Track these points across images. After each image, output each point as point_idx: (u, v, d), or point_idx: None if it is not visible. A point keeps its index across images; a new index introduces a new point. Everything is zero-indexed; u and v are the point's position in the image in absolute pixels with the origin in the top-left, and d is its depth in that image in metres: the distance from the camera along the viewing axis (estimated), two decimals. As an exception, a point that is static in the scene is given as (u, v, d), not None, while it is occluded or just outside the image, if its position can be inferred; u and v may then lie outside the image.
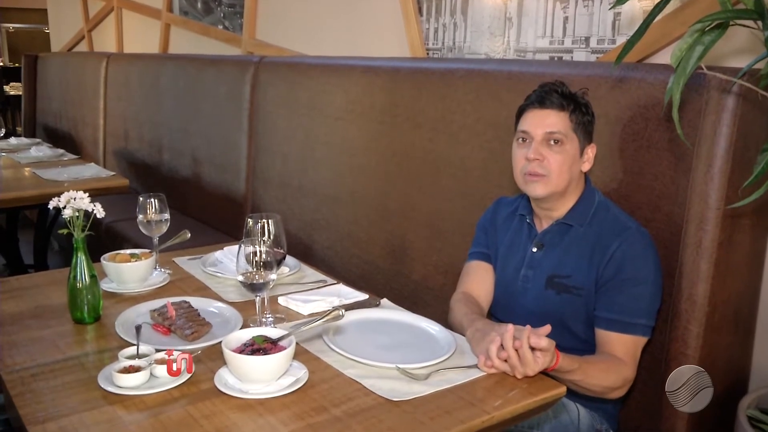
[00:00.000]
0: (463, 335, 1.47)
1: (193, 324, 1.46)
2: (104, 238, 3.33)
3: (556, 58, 2.14)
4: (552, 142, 1.50)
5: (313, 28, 3.22)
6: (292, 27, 3.36)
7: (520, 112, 1.57)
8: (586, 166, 1.57)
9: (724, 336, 1.63)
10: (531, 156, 1.51)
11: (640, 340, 1.49)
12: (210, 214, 3.46)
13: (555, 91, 1.52)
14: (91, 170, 3.46)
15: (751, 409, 1.57)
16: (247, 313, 1.57)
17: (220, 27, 3.99)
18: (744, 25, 1.24)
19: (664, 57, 1.84)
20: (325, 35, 3.14)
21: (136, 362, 1.26)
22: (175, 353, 1.27)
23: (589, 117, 1.54)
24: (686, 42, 1.23)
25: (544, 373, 1.31)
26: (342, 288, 1.78)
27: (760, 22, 1.17)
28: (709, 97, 1.52)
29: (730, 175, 1.51)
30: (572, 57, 2.09)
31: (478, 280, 1.71)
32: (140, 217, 1.86)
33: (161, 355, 1.29)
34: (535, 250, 1.62)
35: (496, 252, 1.71)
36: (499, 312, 1.70)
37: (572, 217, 1.57)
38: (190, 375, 1.26)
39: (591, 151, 1.56)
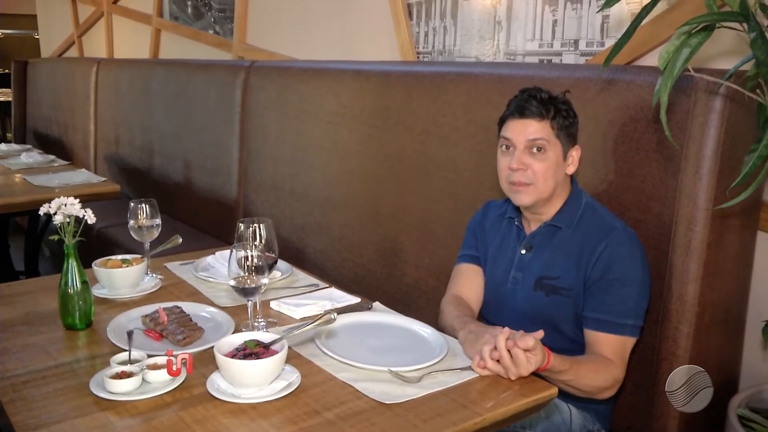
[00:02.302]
0: (455, 338, 1.47)
1: (185, 329, 1.45)
2: (95, 244, 3.32)
3: (545, 61, 2.15)
4: (535, 150, 1.51)
5: (303, 33, 3.23)
6: (282, 31, 3.37)
7: (501, 122, 1.57)
8: (571, 169, 1.57)
9: (714, 336, 1.64)
10: (514, 166, 1.51)
11: (629, 341, 1.49)
12: (201, 219, 3.45)
13: (534, 98, 1.51)
14: (81, 176, 3.45)
15: (742, 408, 1.58)
16: (239, 318, 1.57)
17: (211, 32, 3.99)
18: (730, 28, 1.25)
19: (652, 59, 1.85)
20: (315, 39, 3.15)
21: (128, 368, 1.26)
22: (176, 353, 1.27)
23: (571, 119, 1.54)
24: (673, 44, 1.24)
25: (537, 374, 1.32)
26: (334, 291, 1.78)
27: (745, 25, 1.18)
28: (696, 98, 1.53)
29: (718, 175, 1.52)
30: (561, 60, 2.10)
31: (468, 283, 1.71)
32: (131, 222, 1.86)
33: (153, 360, 1.29)
34: (523, 252, 1.62)
35: (485, 254, 1.72)
36: (489, 314, 1.70)
37: (560, 219, 1.58)
38: (182, 379, 1.26)
39: (576, 153, 1.57)
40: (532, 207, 1.58)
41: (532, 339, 1.27)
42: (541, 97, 1.51)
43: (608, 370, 1.45)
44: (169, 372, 1.24)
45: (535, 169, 1.51)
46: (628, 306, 1.48)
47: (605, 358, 1.46)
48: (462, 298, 1.68)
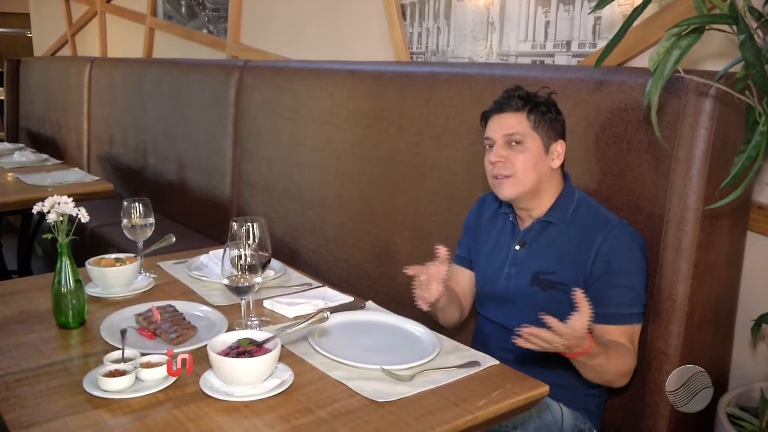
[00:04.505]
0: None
1: (179, 328, 1.46)
2: (89, 243, 3.31)
3: (538, 62, 2.16)
4: (513, 144, 1.55)
5: (297, 32, 3.23)
6: (276, 31, 3.37)
7: (485, 121, 1.62)
8: (555, 163, 1.59)
9: (704, 335, 1.65)
10: (492, 159, 1.56)
11: (637, 328, 1.51)
12: (195, 219, 3.45)
13: (512, 95, 1.57)
14: (75, 175, 3.45)
15: (731, 407, 1.59)
16: (233, 317, 1.57)
17: (205, 31, 3.99)
18: (719, 30, 1.26)
19: (643, 61, 1.87)
20: (309, 39, 3.15)
21: (121, 366, 1.26)
22: (175, 352, 1.29)
23: (552, 115, 1.57)
24: (663, 46, 1.25)
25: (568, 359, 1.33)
26: (327, 291, 1.79)
27: (734, 27, 1.20)
28: (686, 100, 1.54)
29: (708, 176, 1.53)
30: (554, 61, 2.12)
31: (455, 282, 1.76)
32: (125, 221, 1.86)
33: (146, 358, 1.29)
34: (518, 248, 1.64)
35: (478, 252, 1.74)
36: (484, 309, 1.73)
37: (552, 215, 1.59)
38: (176, 378, 1.27)
39: (560, 148, 1.58)
40: (519, 201, 1.60)
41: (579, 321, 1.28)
42: (519, 94, 1.57)
43: (628, 356, 1.47)
44: (170, 372, 1.25)
45: (513, 161, 1.54)
46: (633, 295, 1.49)
47: (624, 345, 1.48)
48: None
